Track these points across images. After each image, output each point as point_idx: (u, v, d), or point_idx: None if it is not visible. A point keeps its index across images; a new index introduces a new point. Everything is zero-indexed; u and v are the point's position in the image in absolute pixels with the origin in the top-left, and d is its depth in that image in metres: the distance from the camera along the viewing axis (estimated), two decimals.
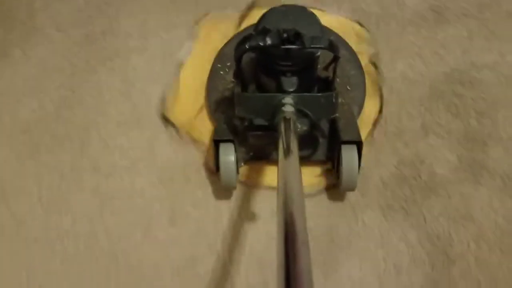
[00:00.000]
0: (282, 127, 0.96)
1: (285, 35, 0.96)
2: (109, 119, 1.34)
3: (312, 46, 0.97)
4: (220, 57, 1.32)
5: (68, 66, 1.41)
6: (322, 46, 0.98)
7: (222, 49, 1.33)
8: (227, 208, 1.23)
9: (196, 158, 1.29)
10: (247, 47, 0.98)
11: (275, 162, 1.20)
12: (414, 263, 1.17)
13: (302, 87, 1.06)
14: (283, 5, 1.10)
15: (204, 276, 1.18)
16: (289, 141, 0.89)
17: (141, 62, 1.40)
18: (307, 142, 1.12)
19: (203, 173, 1.27)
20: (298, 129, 1.04)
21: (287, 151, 0.86)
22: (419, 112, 1.29)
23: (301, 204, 0.71)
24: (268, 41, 0.96)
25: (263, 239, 1.20)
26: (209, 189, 1.26)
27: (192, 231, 1.22)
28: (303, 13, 1.08)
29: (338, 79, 1.12)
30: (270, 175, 1.26)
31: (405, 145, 1.26)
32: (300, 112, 1.03)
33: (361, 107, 1.27)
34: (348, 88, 1.28)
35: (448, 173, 1.24)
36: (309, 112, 1.04)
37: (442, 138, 1.27)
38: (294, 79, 1.06)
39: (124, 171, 1.28)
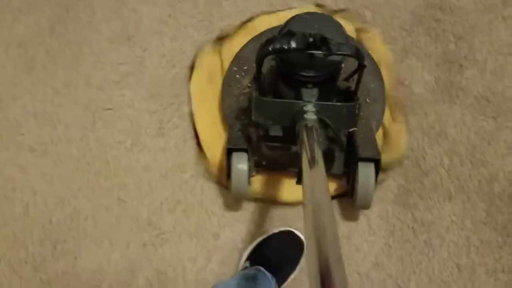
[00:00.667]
0: (304, 135, 0.89)
1: (311, 39, 0.89)
2: (101, 36, 1.38)
3: (338, 52, 0.90)
4: (236, 60, 1.26)
5: None
6: (348, 53, 0.91)
7: (238, 52, 1.27)
8: None
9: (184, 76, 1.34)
10: (270, 49, 0.90)
11: (288, 173, 1.20)
12: (386, 173, 1.24)
13: (322, 99, 1.00)
14: (308, 13, 1.04)
15: (189, 180, 1.25)
16: (313, 150, 0.83)
17: None
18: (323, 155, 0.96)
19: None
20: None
21: (312, 161, 0.81)
22: (401, 35, 1.34)
23: (331, 218, 0.65)
24: (293, 45, 0.89)
25: None
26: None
27: (180, 139, 1.28)
28: (328, 21, 1.01)
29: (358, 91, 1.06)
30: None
31: None
32: (321, 122, 0.97)
33: (379, 121, 1.23)
34: (368, 101, 1.22)
35: (426, 93, 1.30)
36: (330, 122, 0.98)
37: (421, 61, 1.32)
38: (315, 91, 0.99)
39: (115, 85, 1.33)
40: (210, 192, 1.24)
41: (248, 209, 1.23)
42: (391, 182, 1.24)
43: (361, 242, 1.21)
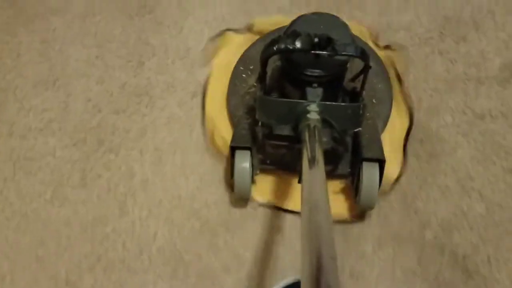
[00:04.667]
0: (306, 135, 0.91)
1: (316, 39, 0.90)
2: (27, 81, 1.36)
3: (343, 53, 0.91)
4: (243, 59, 1.28)
5: None
6: (353, 54, 0.92)
7: (245, 52, 1.28)
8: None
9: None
10: (275, 49, 0.92)
11: (292, 172, 1.18)
12: None
13: (327, 99, 1.00)
14: (314, 13, 1.04)
15: (111, 234, 1.22)
16: (314, 150, 0.85)
17: (61, 23, 1.41)
18: (327, 155, 0.98)
19: (119, 137, 1.30)
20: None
21: (312, 161, 0.83)
22: None
23: (328, 218, 0.66)
24: (298, 45, 0.90)
25: None
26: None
27: (103, 190, 1.25)
28: (334, 21, 1.02)
29: (364, 92, 1.07)
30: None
31: None
32: (324, 122, 0.97)
33: (385, 122, 1.22)
34: (374, 101, 1.22)
35: None
36: (334, 123, 0.99)
37: None
38: (320, 90, 1.00)
39: (38, 132, 1.30)
40: (133, 248, 1.20)
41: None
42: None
43: None
